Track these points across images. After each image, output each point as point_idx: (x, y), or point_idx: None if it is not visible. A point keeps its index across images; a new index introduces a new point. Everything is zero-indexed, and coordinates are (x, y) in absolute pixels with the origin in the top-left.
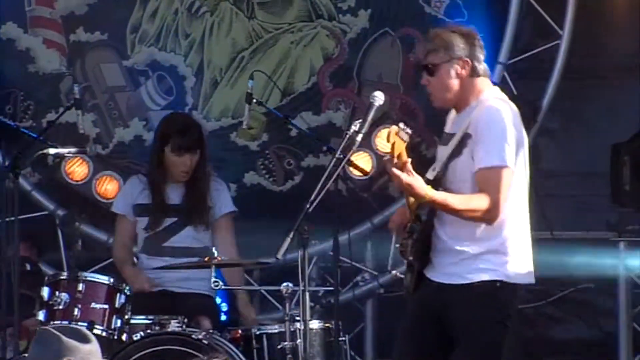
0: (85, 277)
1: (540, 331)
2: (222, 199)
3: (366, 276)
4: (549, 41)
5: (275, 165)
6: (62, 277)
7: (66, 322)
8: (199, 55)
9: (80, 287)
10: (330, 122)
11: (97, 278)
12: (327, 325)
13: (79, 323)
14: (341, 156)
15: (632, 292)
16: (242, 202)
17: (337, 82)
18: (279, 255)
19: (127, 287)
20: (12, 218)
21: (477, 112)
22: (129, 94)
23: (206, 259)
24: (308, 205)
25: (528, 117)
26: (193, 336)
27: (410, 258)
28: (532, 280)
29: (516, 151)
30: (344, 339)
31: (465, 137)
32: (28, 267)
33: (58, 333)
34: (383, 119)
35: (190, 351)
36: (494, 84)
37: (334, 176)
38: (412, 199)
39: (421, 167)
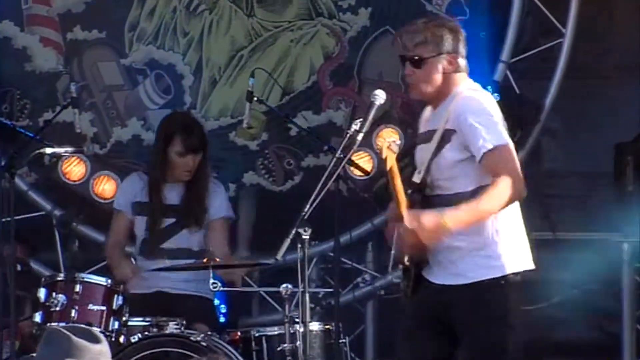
0: (83, 278)
1: (542, 333)
2: (218, 202)
3: (367, 277)
4: (552, 40)
5: (275, 165)
6: (59, 279)
7: (63, 324)
8: (198, 53)
9: (78, 288)
10: (331, 121)
11: (95, 279)
12: (327, 327)
13: (76, 325)
14: (342, 156)
15: (635, 293)
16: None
17: (338, 81)
18: (279, 256)
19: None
20: (9, 218)
21: (454, 106)
22: (126, 93)
23: (205, 260)
24: (308, 206)
25: (530, 117)
26: (191, 338)
27: (407, 262)
28: (532, 265)
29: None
30: (344, 341)
31: (448, 133)
32: (19, 267)
33: (68, 333)
34: (384, 118)
35: (189, 353)
36: (496, 83)
37: (335, 176)
38: (400, 201)
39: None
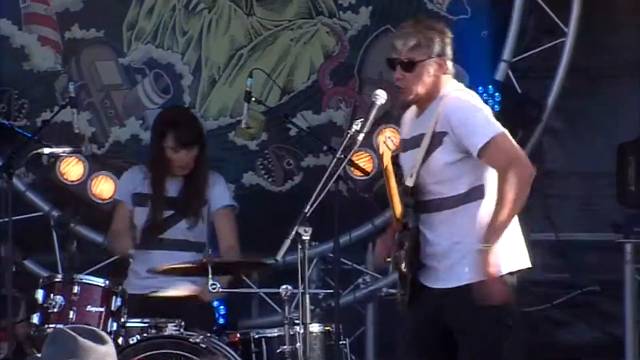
0: (81, 279)
1: (544, 335)
2: (218, 192)
3: (367, 278)
4: (554, 39)
5: (274, 165)
6: (56, 280)
7: (61, 326)
8: (197, 52)
9: (76, 289)
10: (331, 121)
11: (93, 280)
12: (327, 328)
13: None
14: (342, 156)
15: (638, 294)
16: (241, 202)
17: (338, 80)
18: (278, 257)
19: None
20: (6, 219)
21: (443, 108)
22: (125, 93)
23: (204, 260)
24: (308, 206)
25: (532, 116)
26: (190, 340)
27: (404, 269)
28: (528, 264)
29: None
30: (344, 342)
31: (438, 135)
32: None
33: (74, 333)
34: (385, 117)
35: (188, 355)
36: (498, 82)
37: (335, 176)
38: (397, 207)
39: None
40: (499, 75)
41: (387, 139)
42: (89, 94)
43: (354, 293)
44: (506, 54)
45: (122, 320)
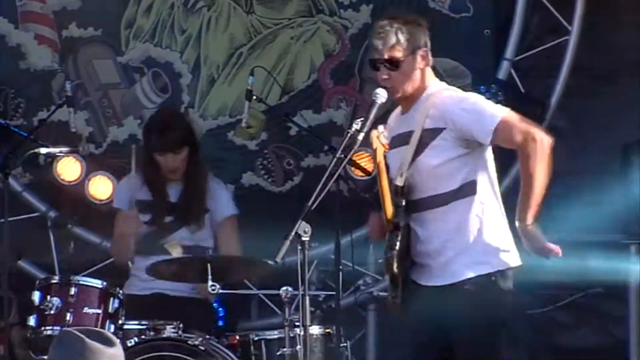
0: (78, 280)
1: (547, 338)
2: (223, 201)
3: (368, 280)
4: (558, 37)
5: (274, 165)
6: (53, 281)
7: (58, 328)
8: (196, 51)
9: (73, 291)
10: (331, 120)
11: (90, 282)
12: (327, 330)
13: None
14: (342, 156)
15: None
16: (240, 203)
17: (338, 79)
18: (278, 259)
19: (121, 292)
20: (2, 220)
21: (437, 105)
22: (123, 92)
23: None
24: (308, 207)
25: (535, 115)
26: (189, 342)
27: (396, 271)
28: (519, 262)
29: None
30: (345, 345)
31: (430, 132)
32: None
33: (81, 335)
34: (386, 117)
35: (186, 357)
36: (500, 81)
37: (335, 176)
38: (389, 207)
39: None
40: (502, 74)
41: (380, 135)
42: (87, 93)
43: (354, 295)
44: (509, 52)
45: (120, 322)
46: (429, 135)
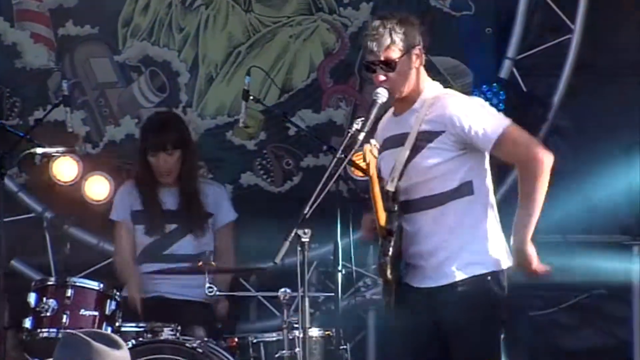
0: (74, 282)
1: (551, 340)
2: (224, 207)
3: (368, 281)
4: (560, 36)
5: (273, 165)
6: (49, 283)
7: (54, 330)
8: (194, 50)
9: (69, 293)
10: (331, 120)
11: (87, 283)
12: (327, 333)
13: (67, 330)
14: (342, 156)
15: None
16: (239, 203)
17: (338, 78)
18: (277, 260)
19: (118, 293)
20: None
21: (436, 108)
22: (120, 91)
23: (199, 264)
24: (307, 208)
25: (538, 115)
26: (187, 344)
27: (390, 276)
28: (509, 264)
29: None
30: (345, 347)
31: (427, 134)
32: None
33: (87, 338)
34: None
35: None
36: (502, 80)
37: (335, 177)
38: (381, 215)
39: None
40: (504, 73)
41: (373, 147)
42: (83, 92)
43: (354, 296)
44: (511, 51)
45: (117, 324)
46: (426, 137)
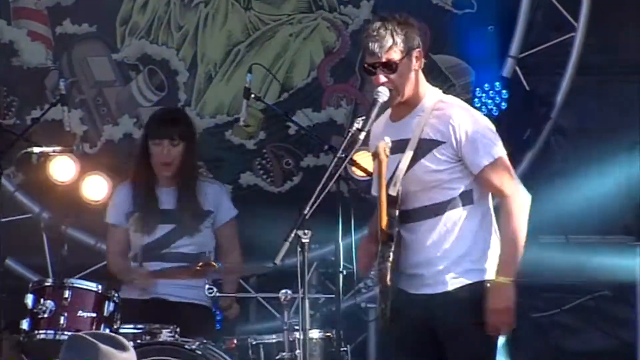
0: (72, 283)
1: (554, 342)
2: (225, 205)
3: (369, 283)
4: (563, 34)
5: (273, 165)
6: (47, 284)
7: (51, 332)
8: (193, 48)
9: (67, 294)
10: (331, 119)
11: (85, 285)
12: (327, 334)
13: (65, 332)
14: (343, 155)
15: None
16: (239, 204)
17: (339, 77)
18: (277, 261)
19: (116, 295)
20: None
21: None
22: (118, 90)
23: (199, 265)
24: (308, 208)
25: (541, 114)
26: (186, 346)
27: (389, 283)
28: None
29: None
30: (345, 349)
31: (429, 143)
32: None
33: (94, 340)
34: None
35: None
36: (505, 79)
37: (335, 177)
38: (385, 217)
39: None
40: (506, 72)
41: (387, 146)
42: (81, 91)
43: (355, 298)
44: (513, 49)
45: (115, 326)
46: (427, 145)
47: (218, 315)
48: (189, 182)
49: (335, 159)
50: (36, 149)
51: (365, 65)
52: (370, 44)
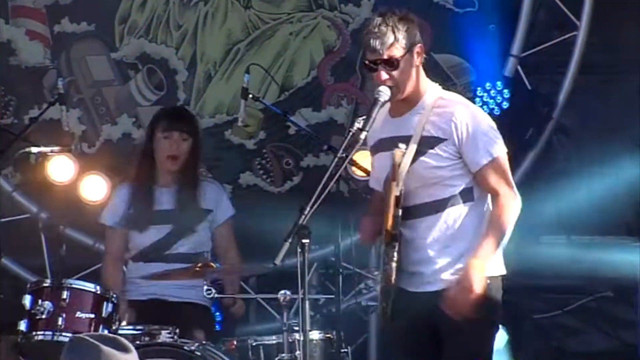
0: (70, 284)
1: (556, 343)
2: (224, 204)
3: (370, 283)
4: (565, 33)
5: (272, 165)
6: (45, 285)
7: (49, 333)
8: (192, 47)
9: (65, 295)
10: (332, 118)
11: (83, 285)
12: (328, 335)
13: (64, 333)
14: (343, 155)
15: None
16: (238, 204)
17: (339, 76)
18: (277, 261)
19: (115, 296)
20: None
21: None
22: (117, 89)
23: (198, 266)
24: (308, 208)
25: (543, 114)
26: (185, 347)
27: (394, 283)
28: (504, 271)
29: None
30: (346, 350)
31: (430, 139)
32: None
33: (96, 342)
34: None
35: None
36: (507, 78)
37: (336, 177)
38: (390, 219)
39: None
40: (508, 71)
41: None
42: (79, 90)
43: (355, 298)
44: (515, 48)
45: (114, 327)
46: (428, 142)
47: (218, 317)
48: (190, 182)
49: (336, 159)
50: (34, 149)
51: (367, 62)
52: (371, 41)
